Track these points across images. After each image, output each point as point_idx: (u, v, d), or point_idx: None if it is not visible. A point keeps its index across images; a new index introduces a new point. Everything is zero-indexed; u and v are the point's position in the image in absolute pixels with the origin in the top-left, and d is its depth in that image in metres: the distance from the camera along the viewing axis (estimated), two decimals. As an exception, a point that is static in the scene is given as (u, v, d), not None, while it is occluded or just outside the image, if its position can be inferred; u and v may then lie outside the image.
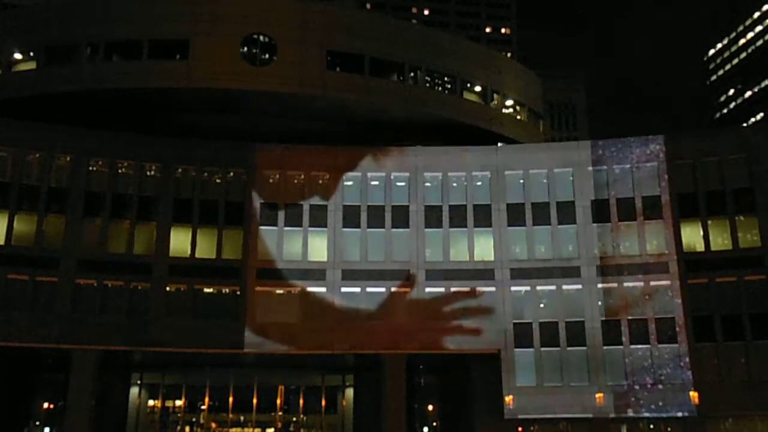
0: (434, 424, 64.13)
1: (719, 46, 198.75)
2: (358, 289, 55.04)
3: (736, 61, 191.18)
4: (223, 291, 54.92)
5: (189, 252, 54.52)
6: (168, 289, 53.95)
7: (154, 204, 54.89)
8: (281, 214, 55.84)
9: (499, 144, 64.69)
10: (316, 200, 56.48)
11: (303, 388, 62.94)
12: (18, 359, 54.58)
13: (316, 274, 55.05)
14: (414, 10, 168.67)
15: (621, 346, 53.21)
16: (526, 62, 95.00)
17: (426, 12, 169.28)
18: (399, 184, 57.25)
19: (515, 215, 56.18)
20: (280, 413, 62.46)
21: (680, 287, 53.48)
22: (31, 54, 59.34)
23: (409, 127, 61.95)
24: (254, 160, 56.34)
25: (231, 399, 61.37)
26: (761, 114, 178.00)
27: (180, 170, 55.93)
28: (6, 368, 54.46)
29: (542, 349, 53.81)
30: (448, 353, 54.92)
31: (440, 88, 64.04)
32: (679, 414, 52.01)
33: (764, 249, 52.98)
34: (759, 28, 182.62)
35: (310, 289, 54.85)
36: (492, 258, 55.70)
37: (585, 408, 52.59)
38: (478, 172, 57.32)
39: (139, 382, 61.64)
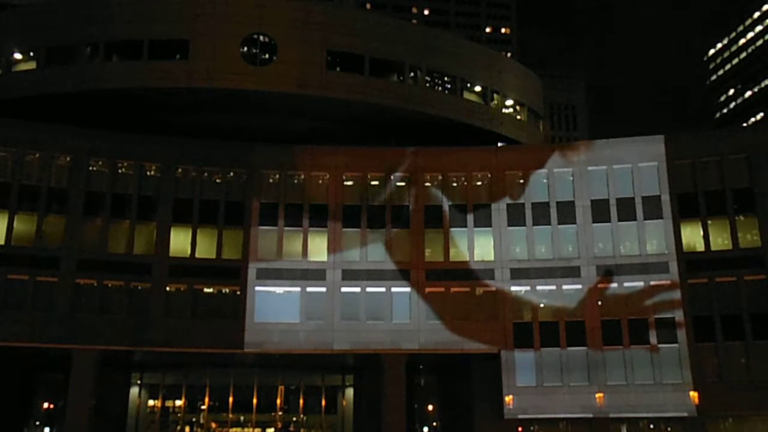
0: (434, 424, 64.14)
1: (719, 46, 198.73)
2: (358, 289, 55.04)
3: (736, 61, 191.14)
4: (223, 291, 54.91)
5: (189, 252, 54.50)
6: (168, 289, 53.91)
7: (154, 204, 54.86)
8: (281, 214, 55.82)
9: (499, 144, 64.81)
10: (316, 200, 56.45)
11: (303, 388, 62.98)
12: (18, 359, 54.58)
13: (316, 274, 55.04)
14: (414, 10, 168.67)
15: (621, 346, 53.22)
16: (526, 62, 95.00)
17: (426, 12, 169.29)
18: (399, 184, 57.24)
19: (515, 215, 56.18)
20: (280, 413, 62.48)
21: (680, 287, 53.49)
22: (31, 54, 59.32)
23: (409, 127, 61.94)
24: (254, 160, 56.32)
25: (231, 399, 61.40)
26: (761, 114, 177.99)
27: (180, 170, 55.90)
28: (6, 368, 54.46)
29: (542, 349, 53.81)
30: (448, 353, 54.91)
31: (440, 88, 64.03)
32: (679, 414, 52.02)
33: (764, 249, 52.97)
34: (759, 28, 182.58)
35: (310, 289, 54.84)
36: (492, 258, 55.70)
37: (585, 408, 52.60)
38: (478, 172, 57.40)
39: (139, 382, 61.68)
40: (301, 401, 62.88)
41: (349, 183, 57.15)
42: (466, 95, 64.73)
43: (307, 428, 62.46)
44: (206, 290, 54.94)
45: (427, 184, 57.29)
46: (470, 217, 56.41)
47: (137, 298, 53.36)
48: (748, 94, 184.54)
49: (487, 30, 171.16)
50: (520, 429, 53.78)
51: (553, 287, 54.85)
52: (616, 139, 58.23)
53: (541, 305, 54.90)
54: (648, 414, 52.80)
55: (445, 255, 55.81)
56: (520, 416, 53.14)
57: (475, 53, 68.44)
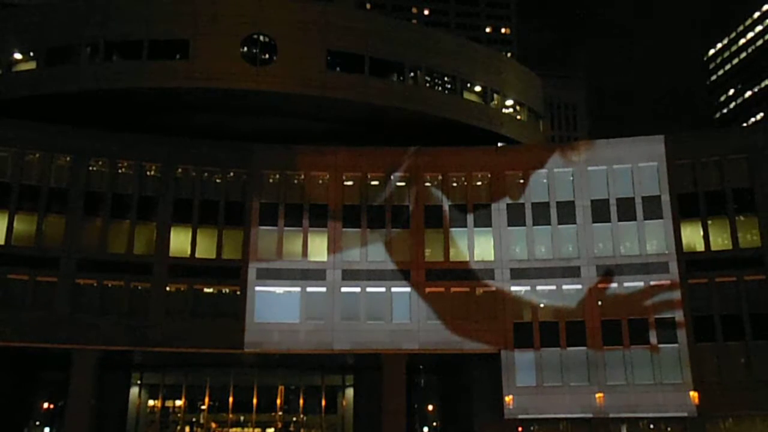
0: (434, 424, 64.16)
1: (719, 46, 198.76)
2: (358, 289, 55.04)
3: (736, 61, 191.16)
4: (223, 291, 54.91)
5: (189, 252, 54.50)
6: (168, 289, 53.91)
7: (154, 204, 54.86)
8: (281, 214, 55.82)
9: (499, 144, 64.81)
10: (316, 200, 56.45)
11: (303, 388, 62.98)
12: (18, 359, 54.60)
13: (316, 274, 55.04)
14: (414, 10, 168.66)
15: (621, 346, 53.23)
16: (526, 62, 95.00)
17: (426, 12, 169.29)
18: (399, 184, 57.26)
19: (515, 215, 56.19)
20: (280, 413, 62.48)
21: (680, 287, 53.48)
22: (31, 54, 59.29)
23: (409, 127, 61.92)
24: (254, 160, 56.33)
25: (231, 399, 61.40)
26: (761, 114, 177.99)
27: (180, 170, 55.91)
28: (6, 368, 54.47)
29: (542, 349, 53.81)
30: (448, 353, 54.91)
31: (440, 88, 64.02)
32: (679, 414, 52.02)
33: (764, 249, 52.98)
34: (759, 28, 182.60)
35: (310, 289, 54.83)
36: (492, 258, 55.70)
37: (585, 408, 52.59)
38: (478, 172, 57.40)
39: (139, 382, 61.67)
40: (301, 401, 62.87)
41: (349, 183, 57.16)
42: (466, 95, 64.70)
43: (307, 428, 62.46)
44: (206, 290, 54.94)
45: (427, 184, 57.29)
46: (470, 217, 56.41)
47: (137, 298, 53.35)
48: (748, 94, 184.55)
49: (487, 30, 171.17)
50: (520, 429, 53.78)
51: (553, 287, 54.85)
52: (616, 139, 58.26)
53: (541, 305, 54.90)
54: (648, 414, 52.79)
55: (445, 255, 55.80)
56: (520, 416, 53.13)
57: (475, 53, 68.43)
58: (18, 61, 59.52)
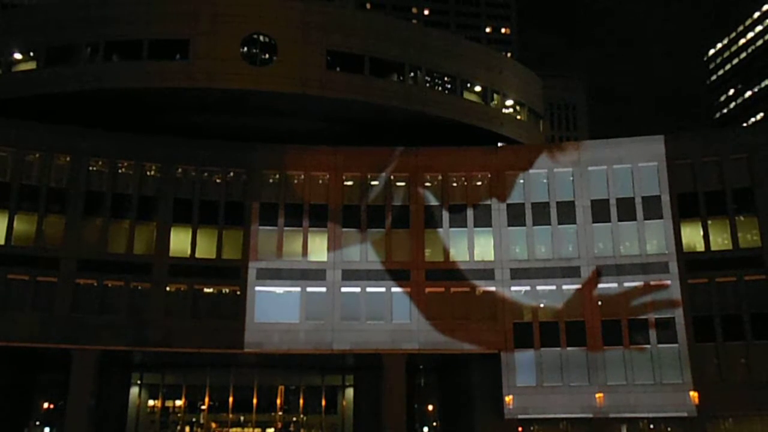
0: (434, 424, 64.16)
1: (719, 46, 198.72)
2: (358, 289, 55.04)
3: (736, 61, 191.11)
4: (223, 291, 54.92)
5: (189, 252, 54.51)
6: (168, 289, 53.92)
7: (154, 204, 54.87)
8: (281, 214, 55.83)
9: (499, 144, 64.81)
10: (316, 200, 56.44)
11: (303, 388, 63.02)
12: (18, 359, 54.59)
13: (316, 274, 55.05)
14: (414, 10, 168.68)
15: (621, 346, 53.23)
16: (526, 62, 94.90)
17: (426, 12, 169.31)
18: (399, 184, 57.25)
19: (515, 215, 56.18)
20: (280, 413, 62.51)
21: (680, 287, 53.48)
22: (31, 54, 59.25)
23: (409, 127, 61.91)
24: (254, 160, 56.35)
25: (231, 399, 61.43)
26: (761, 114, 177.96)
27: (180, 170, 55.92)
28: (6, 368, 54.43)
29: (542, 349, 53.81)
30: (448, 353, 54.91)
31: (440, 88, 63.97)
32: (679, 414, 52.02)
33: (764, 249, 52.98)
34: (759, 28, 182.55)
35: (309, 289, 54.84)
36: (492, 258, 55.70)
37: (585, 408, 52.60)
38: (478, 172, 57.41)
39: (139, 382, 61.73)
40: (301, 401, 62.90)
41: (349, 183, 57.17)
42: (466, 95, 64.66)
43: (307, 428, 62.48)
44: (206, 290, 54.95)
45: (427, 184, 57.30)
46: (470, 217, 56.41)
47: (137, 298, 53.36)
48: (748, 94, 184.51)
49: (487, 30, 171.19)
50: (520, 429, 53.80)
51: (553, 287, 54.85)
52: (616, 139, 58.25)
53: (541, 305, 54.90)
54: (648, 414, 52.80)
55: (445, 255, 55.82)
56: (520, 416, 53.15)
57: (475, 53, 68.39)
58: (18, 61, 59.45)
